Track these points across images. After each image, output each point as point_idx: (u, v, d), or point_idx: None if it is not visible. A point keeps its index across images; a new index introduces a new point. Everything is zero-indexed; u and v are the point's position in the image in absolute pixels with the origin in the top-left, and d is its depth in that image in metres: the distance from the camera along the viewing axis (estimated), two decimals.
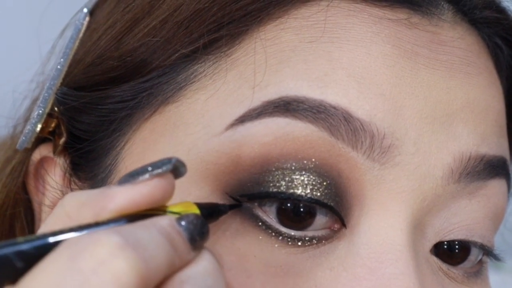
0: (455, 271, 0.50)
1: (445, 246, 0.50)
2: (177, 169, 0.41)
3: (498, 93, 0.52)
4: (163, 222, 0.39)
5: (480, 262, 0.52)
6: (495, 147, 0.50)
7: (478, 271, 0.52)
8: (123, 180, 0.40)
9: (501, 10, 0.54)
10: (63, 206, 0.39)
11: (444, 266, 0.49)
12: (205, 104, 0.47)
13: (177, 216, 0.41)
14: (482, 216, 0.50)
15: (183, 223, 0.40)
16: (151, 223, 0.39)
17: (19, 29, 1.02)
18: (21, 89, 0.62)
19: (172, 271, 0.38)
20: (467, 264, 0.51)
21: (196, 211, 0.42)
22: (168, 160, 0.41)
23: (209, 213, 0.43)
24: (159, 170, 0.40)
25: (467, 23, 0.52)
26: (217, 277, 0.40)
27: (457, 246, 0.50)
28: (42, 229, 0.39)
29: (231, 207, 0.45)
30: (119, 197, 0.39)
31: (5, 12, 1.10)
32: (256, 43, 0.47)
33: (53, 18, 0.64)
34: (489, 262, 0.56)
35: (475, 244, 0.50)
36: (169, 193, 0.40)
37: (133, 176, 0.40)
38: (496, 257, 0.53)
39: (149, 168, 0.40)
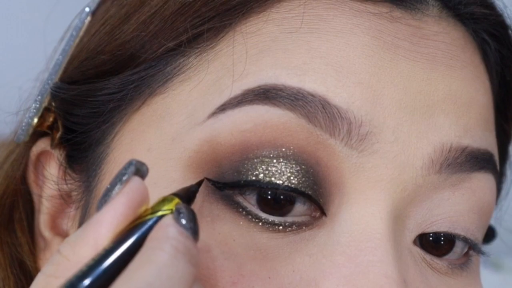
0: (439, 262, 0.50)
1: (431, 238, 0.50)
2: (138, 170, 0.42)
3: (484, 87, 0.53)
4: (170, 232, 0.41)
5: (467, 255, 0.52)
6: (479, 139, 0.50)
7: (463, 264, 0.52)
8: (100, 204, 0.42)
9: (488, 5, 0.54)
10: (59, 252, 0.41)
11: (428, 256, 0.50)
12: (189, 95, 0.48)
13: (170, 213, 0.42)
14: (466, 209, 0.50)
15: (183, 221, 0.42)
16: (164, 236, 0.40)
17: (25, 29, 1.05)
18: (27, 86, 0.63)
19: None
20: (452, 256, 0.51)
21: (177, 201, 0.44)
22: (129, 164, 0.42)
23: (188, 198, 0.45)
24: (125, 177, 0.42)
25: (454, 18, 0.52)
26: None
27: (442, 238, 0.50)
28: (41, 278, 0.40)
29: (198, 185, 0.46)
30: (105, 219, 0.41)
31: (12, 13, 1.12)
32: (238, 35, 0.48)
33: (58, 18, 0.66)
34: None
35: (458, 236, 0.50)
36: (145, 193, 0.42)
37: (106, 195, 0.42)
38: (480, 251, 0.53)
39: (116, 180, 0.42)
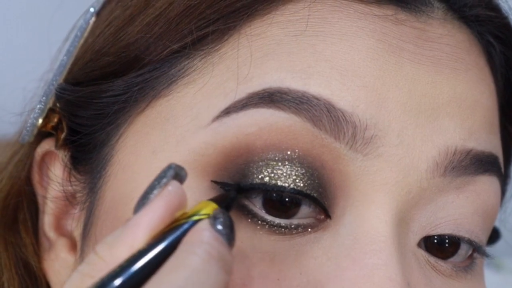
0: (443, 264, 0.50)
1: (435, 240, 0.50)
2: (177, 174, 0.42)
3: (489, 90, 0.53)
4: (205, 236, 0.41)
5: (471, 257, 0.52)
6: (483, 142, 0.50)
7: (468, 266, 0.52)
8: (138, 207, 0.42)
9: (493, 8, 0.54)
10: (95, 253, 0.41)
11: (432, 259, 0.50)
12: (194, 98, 0.48)
13: (206, 218, 0.42)
14: (471, 212, 0.50)
15: (219, 227, 0.42)
16: (198, 240, 0.40)
17: (29, 29, 1.05)
18: (31, 87, 0.63)
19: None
20: (456, 258, 0.51)
21: (215, 206, 0.44)
22: (168, 168, 0.42)
23: (226, 204, 0.45)
24: (164, 180, 0.42)
25: (459, 20, 0.52)
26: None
27: (447, 240, 0.50)
28: (77, 276, 0.40)
29: (236, 191, 0.46)
30: (143, 221, 0.41)
31: (16, 13, 1.12)
32: (243, 38, 0.48)
33: (63, 19, 0.66)
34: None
35: (462, 239, 0.50)
36: (183, 197, 0.42)
37: (144, 198, 0.42)
38: (485, 254, 0.53)
39: (155, 183, 0.42)
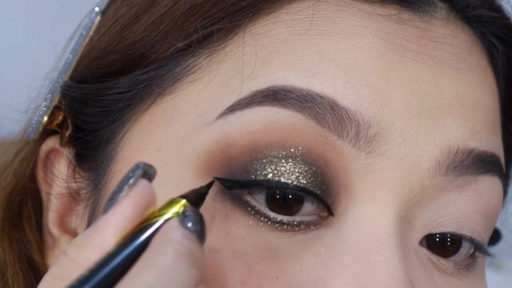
0: (445, 262, 0.50)
1: (437, 239, 0.50)
2: (146, 172, 0.43)
3: (491, 90, 0.53)
4: (174, 235, 0.41)
5: (473, 256, 0.52)
6: (485, 142, 0.51)
7: (469, 265, 0.52)
8: (107, 207, 0.42)
9: (496, 9, 0.54)
10: (65, 254, 0.41)
11: (434, 257, 0.50)
12: (199, 95, 0.49)
13: (176, 216, 0.42)
14: (473, 211, 0.51)
15: (189, 224, 0.42)
16: (168, 239, 0.40)
17: (34, 27, 1.05)
18: (36, 85, 0.64)
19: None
20: (458, 256, 0.51)
21: (185, 203, 0.44)
22: (136, 167, 0.43)
23: (196, 200, 0.45)
24: (132, 180, 0.42)
25: (461, 21, 0.53)
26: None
27: (448, 239, 0.51)
28: (48, 280, 0.40)
29: (208, 187, 0.46)
30: (112, 221, 0.41)
31: (21, 12, 1.13)
32: (248, 36, 0.49)
33: (68, 17, 0.67)
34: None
35: (464, 237, 0.51)
36: (152, 196, 0.42)
37: (113, 198, 0.42)
38: (486, 252, 0.53)
39: (123, 182, 0.42)
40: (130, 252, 0.40)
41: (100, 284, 0.39)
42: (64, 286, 0.39)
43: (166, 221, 0.42)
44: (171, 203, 0.43)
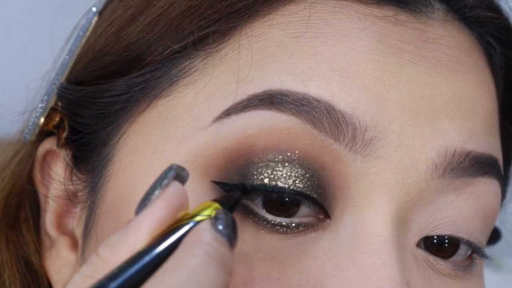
0: (443, 264, 0.50)
1: (435, 240, 0.50)
2: (179, 175, 0.43)
3: (488, 91, 0.53)
4: (205, 237, 0.41)
5: (470, 257, 0.52)
6: (483, 144, 0.50)
7: (467, 266, 0.52)
8: (140, 208, 0.42)
9: (494, 9, 0.54)
10: (97, 254, 0.41)
11: (431, 258, 0.50)
12: (195, 98, 0.49)
13: (208, 218, 0.42)
14: (470, 214, 0.50)
15: (220, 227, 0.42)
16: (198, 241, 0.40)
17: (31, 28, 1.05)
18: (34, 85, 0.64)
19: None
20: (456, 258, 0.51)
21: (217, 207, 0.44)
22: (169, 169, 0.43)
23: (229, 205, 0.45)
24: (165, 181, 0.42)
25: (459, 21, 0.53)
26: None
27: (446, 241, 0.51)
28: (79, 278, 0.40)
29: (242, 192, 0.46)
30: (144, 222, 0.41)
31: (19, 13, 1.13)
32: (244, 39, 0.48)
33: (66, 18, 0.67)
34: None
35: (461, 240, 0.51)
36: (185, 198, 0.42)
37: (146, 199, 0.42)
38: (484, 255, 0.53)
39: (157, 184, 0.42)
40: (160, 251, 0.40)
41: (128, 281, 0.39)
42: (92, 283, 0.39)
43: (197, 223, 0.42)
44: (204, 206, 0.44)
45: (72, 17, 0.61)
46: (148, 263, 0.40)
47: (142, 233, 0.41)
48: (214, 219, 0.42)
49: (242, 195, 0.46)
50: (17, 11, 1.12)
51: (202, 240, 0.40)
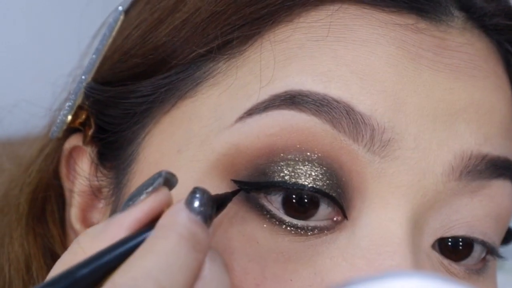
0: (457, 267, 0.51)
1: (449, 243, 0.51)
2: (168, 180, 0.44)
3: (506, 97, 0.54)
4: (179, 217, 0.41)
5: (484, 260, 0.53)
6: (499, 147, 0.51)
7: (481, 269, 0.53)
8: (124, 206, 0.44)
9: None
10: (78, 242, 0.42)
11: (446, 261, 0.51)
12: (218, 99, 0.50)
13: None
14: (484, 214, 0.51)
15: (195, 204, 0.42)
16: (171, 222, 0.41)
17: (59, 25, 1.06)
18: (60, 82, 0.65)
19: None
20: (470, 261, 0.52)
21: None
22: (158, 175, 0.44)
23: (218, 203, 0.46)
24: (151, 188, 0.43)
25: (478, 29, 0.53)
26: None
27: (460, 243, 0.51)
28: (58, 266, 0.42)
29: (233, 194, 0.47)
30: (125, 221, 0.42)
31: (47, 8, 1.14)
32: (266, 42, 0.50)
33: (92, 16, 0.68)
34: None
35: (476, 240, 0.52)
36: (168, 205, 0.43)
37: (131, 200, 0.44)
38: (498, 255, 0.54)
39: (143, 188, 0.43)
40: (133, 244, 0.41)
41: (99, 269, 0.40)
42: (62, 270, 0.40)
43: None
44: None
45: (99, 14, 0.63)
46: (121, 253, 0.40)
47: (122, 231, 0.42)
48: (191, 196, 0.42)
49: (232, 196, 0.47)
50: (45, 6, 1.13)
51: (176, 221, 0.41)
